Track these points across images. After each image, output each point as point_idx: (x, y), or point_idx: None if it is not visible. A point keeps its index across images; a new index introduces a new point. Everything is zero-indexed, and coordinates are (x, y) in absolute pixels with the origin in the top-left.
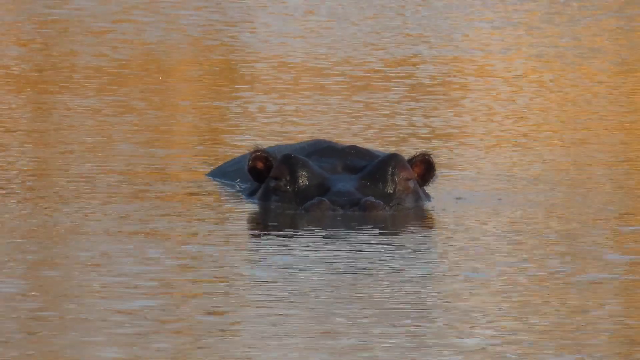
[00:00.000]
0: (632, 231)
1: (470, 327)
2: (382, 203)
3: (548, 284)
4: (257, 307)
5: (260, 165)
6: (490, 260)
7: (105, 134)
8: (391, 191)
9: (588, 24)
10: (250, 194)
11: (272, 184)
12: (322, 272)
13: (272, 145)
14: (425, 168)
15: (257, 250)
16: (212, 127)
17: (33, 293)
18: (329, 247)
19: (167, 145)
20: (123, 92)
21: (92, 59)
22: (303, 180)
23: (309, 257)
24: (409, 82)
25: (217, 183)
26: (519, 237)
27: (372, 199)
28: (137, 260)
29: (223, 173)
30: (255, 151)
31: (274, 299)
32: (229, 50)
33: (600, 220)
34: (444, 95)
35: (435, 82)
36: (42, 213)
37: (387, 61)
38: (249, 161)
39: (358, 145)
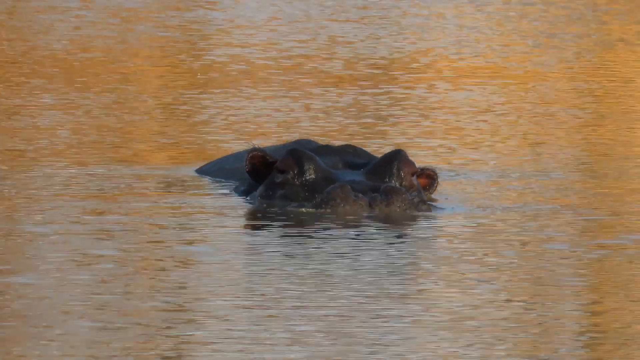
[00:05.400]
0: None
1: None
2: (403, 189)
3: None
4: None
5: (258, 164)
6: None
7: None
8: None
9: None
10: (242, 193)
11: (279, 178)
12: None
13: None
14: (429, 182)
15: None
16: (186, 123)
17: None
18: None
19: (137, 144)
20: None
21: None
22: (310, 173)
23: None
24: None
25: (207, 180)
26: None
27: (392, 184)
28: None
29: (212, 170)
30: (252, 150)
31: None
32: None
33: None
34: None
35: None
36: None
37: (357, 58)
38: (246, 160)
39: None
